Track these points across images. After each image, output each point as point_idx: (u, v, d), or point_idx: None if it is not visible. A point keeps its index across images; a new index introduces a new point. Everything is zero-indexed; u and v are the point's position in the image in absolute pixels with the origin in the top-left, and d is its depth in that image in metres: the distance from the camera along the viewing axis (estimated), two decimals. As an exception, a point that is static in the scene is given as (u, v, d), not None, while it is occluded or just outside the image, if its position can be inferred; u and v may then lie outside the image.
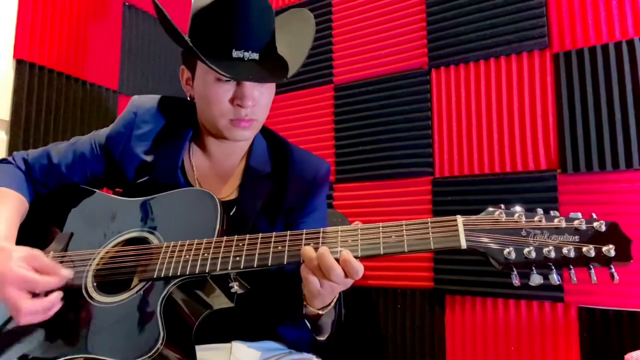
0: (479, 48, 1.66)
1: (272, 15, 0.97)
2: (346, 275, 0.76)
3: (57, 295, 0.82)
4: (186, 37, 0.95)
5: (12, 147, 1.58)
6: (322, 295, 0.82)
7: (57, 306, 0.82)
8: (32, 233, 0.98)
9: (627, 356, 1.07)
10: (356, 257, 0.76)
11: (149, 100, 1.10)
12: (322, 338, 0.94)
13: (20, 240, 0.91)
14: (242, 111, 0.96)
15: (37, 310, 0.80)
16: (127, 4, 2.03)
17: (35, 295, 0.81)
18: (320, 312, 0.87)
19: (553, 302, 1.47)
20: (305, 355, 1.06)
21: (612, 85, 1.44)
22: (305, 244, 0.79)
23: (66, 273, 0.84)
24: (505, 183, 1.58)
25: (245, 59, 0.93)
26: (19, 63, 1.62)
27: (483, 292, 1.58)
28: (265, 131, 1.14)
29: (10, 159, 1.08)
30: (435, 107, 1.75)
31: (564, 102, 1.51)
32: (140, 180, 1.04)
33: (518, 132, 1.58)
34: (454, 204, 1.66)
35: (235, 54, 0.92)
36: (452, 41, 1.72)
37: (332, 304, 0.88)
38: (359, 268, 0.75)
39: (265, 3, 0.95)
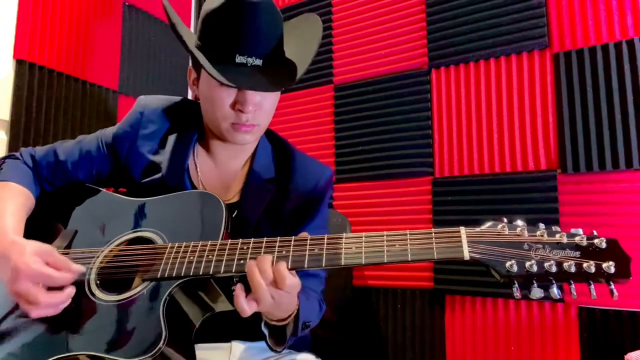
0: (479, 48, 1.66)
1: (279, 21, 0.96)
2: (276, 284, 0.77)
3: (72, 290, 0.83)
4: (188, 41, 0.95)
5: (12, 147, 1.58)
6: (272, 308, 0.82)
7: (69, 300, 0.83)
8: (37, 229, 0.98)
9: (627, 356, 1.07)
10: (360, 265, 0.77)
11: (155, 101, 1.10)
12: (277, 349, 0.94)
13: (26, 236, 0.92)
14: (243, 116, 0.96)
15: (54, 303, 0.81)
16: (127, 4, 2.03)
17: (48, 289, 0.81)
18: (276, 323, 0.88)
19: (553, 302, 1.47)
20: (305, 355, 1.06)
21: (612, 85, 1.44)
22: (309, 249, 0.80)
23: (79, 268, 0.85)
24: (505, 183, 1.58)
25: (249, 65, 0.93)
26: (19, 63, 1.62)
27: (483, 292, 1.58)
28: (270, 135, 1.14)
29: (17, 154, 1.09)
30: (435, 107, 1.75)
31: (564, 102, 1.51)
32: (145, 180, 1.05)
33: (518, 132, 1.58)
34: (454, 204, 1.66)
35: (239, 59, 0.92)
36: (452, 41, 1.72)
37: (290, 318, 0.89)
38: (285, 277, 0.76)
39: (272, 9, 0.94)
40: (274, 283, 0.77)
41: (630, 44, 1.42)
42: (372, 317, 1.79)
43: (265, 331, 0.92)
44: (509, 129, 1.60)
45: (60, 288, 0.82)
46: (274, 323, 0.89)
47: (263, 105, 0.98)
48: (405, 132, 1.79)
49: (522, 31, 1.59)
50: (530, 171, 1.55)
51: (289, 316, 0.89)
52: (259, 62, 0.93)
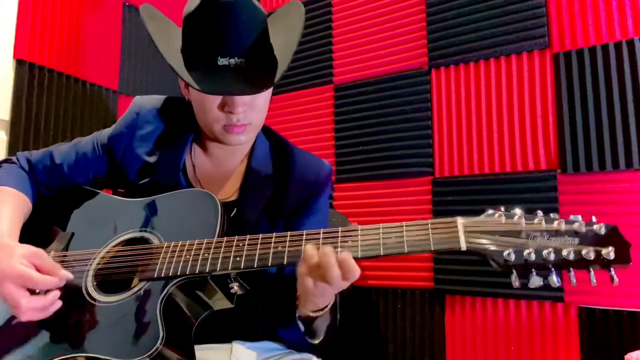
0: (479, 48, 1.66)
1: (259, 17, 0.93)
2: (343, 277, 0.75)
3: (55, 294, 0.82)
4: (167, 52, 0.93)
5: (12, 147, 1.58)
6: (315, 297, 0.82)
7: (57, 305, 0.82)
8: (34, 234, 0.98)
9: (627, 356, 1.07)
10: (356, 258, 0.76)
11: (151, 101, 1.10)
12: (314, 341, 0.93)
13: (23, 241, 0.92)
14: (233, 117, 0.95)
15: (35, 307, 0.80)
16: (127, 4, 2.03)
17: (34, 293, 0.81)
18: (312, 314, 0.87)
19: (553, 302, 1.47)
20: (305, 355, 1.05)
21: (612, 85, 1.44)
22: (305, 244, 0.79)
23: (66, 274, 0.84)
24: (505, 183, 1.58)
25: (232, 66, 0.91)
26: (19, 63, 1.62)
27: (483, 292, 1.58)
28: (267, 132, 1.14)
29: (14, 159, 1.08)
30: (435, 107, 1.75)
31: (564, 102, 1.51)
32: (142, 181, 1.04)
33: (518, 132, 1.58)
34: (454, 204, 1.66)
35: (221, 61, 0.90)
36: (452, 41, 1.72)
37: (327, 308, 0.88)
38: (356, 270, 0.75)
39: (250, 5, 0.91)
40: (342, 276, 0.75)
41: (630, 44, 1.42)
42: (372, 317, 1.79)
43: (302, 325, 0.92)
44: (509, 129, 1.60)
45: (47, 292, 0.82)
46: (312, 314, 0.87)
47: (254, 104, 0.96)
48: (405, 132, 1.79)
49: (522, 31, 1.59)
50: (530, 171, 1.55)
51: (328, 305, 0.87)
52: (241, 61, 0.91)
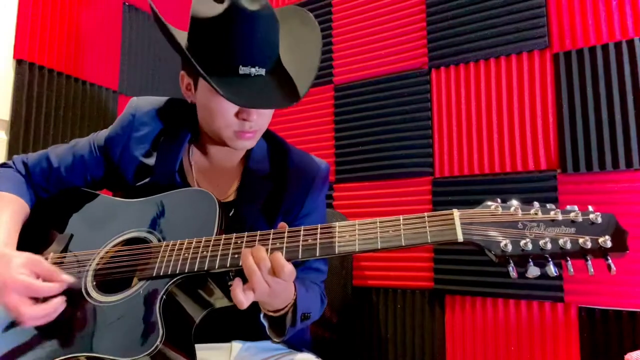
0: (479, 48, 1.66)
1: (277, 26, 0.94)
2: (272, 273, 0.76)
3: (59, 301, 0.82)
4: (194, 60, 0.90)
5: (12, 147, 1.58)
6: (268, 297, 0.82)
7: (60, 309, 0.83)
8: (34, 237, 0.98)
9: (627, 356, 1.07)
10: (354, 252, 0.77)
11: (147, 102, 1.10)
12: (277, 340, 0.94)
13: (22, 244, 0.92)
14: (247, 124, 0.96)
15: (38, 315, 0.80)
16: (127, 4, 2.03)
17: (36, 300, 0.81)
18: (273, 314, 0.89)
19: (553, 302, 1.47)
20: (305, 355, 1.06)
21: (612, 85, 1.44)
22: (303, 240, 0.79)
23: (67, 278, 0.84)
24: (505, 183, 1.58)
25: (252, 75, 0.90)
26: (19, 63, 1.62)
27: (483, 292, 1.58)
28: (265, 132, 1.14)
29: (10, 163, 1.08)
30: (435, 107, 1.75)
31: (564, 102, 1.51)
32: (139, 183, 1.04)
33: (518, 132, 1.58)
34: (454, 204, 1.66)
35: (242, 70, 0.90)
36: (452, 41, 1.72)
37: (287, 308, 0.89)
38: (282, 265, 0.76)
39: (272, 15, 0.92)
40: (271, 272, 0.76)
41: (630, 44, 1.42)
42: (372, 317, 1.79)
43: (265, 322, 0.92)
44: (509, 129, 1.60)
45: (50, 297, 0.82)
46: (271, 314, 0.89)
47: (264, 111, 0.98)
48: (405, 132, 1.79)
49: (522, 31, 1.59)
50: (530, 171, 1.55)
51: (287, 306, 0.89)
52: (262, 71, 0.91)
